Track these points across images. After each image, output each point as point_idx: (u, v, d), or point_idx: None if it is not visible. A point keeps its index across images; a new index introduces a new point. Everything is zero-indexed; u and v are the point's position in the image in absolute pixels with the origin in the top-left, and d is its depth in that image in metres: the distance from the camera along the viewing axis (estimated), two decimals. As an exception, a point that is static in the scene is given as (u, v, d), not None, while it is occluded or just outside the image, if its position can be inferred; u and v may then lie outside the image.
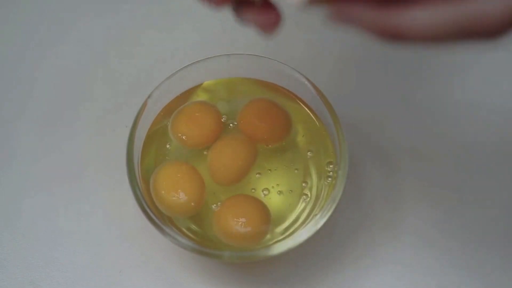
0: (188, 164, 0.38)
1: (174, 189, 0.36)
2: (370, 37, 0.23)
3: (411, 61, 0.47)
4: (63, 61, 0.48)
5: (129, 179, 0.36)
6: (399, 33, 0.22)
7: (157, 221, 0.34)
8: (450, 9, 0.21)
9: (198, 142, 0.39)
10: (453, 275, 0.39)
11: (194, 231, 0.37)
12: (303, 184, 0.38)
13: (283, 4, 0.25)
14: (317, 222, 0.34)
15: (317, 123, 0.40)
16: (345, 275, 0.39)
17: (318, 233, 0.35)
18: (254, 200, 0.37)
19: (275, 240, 0.36)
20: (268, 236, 0.37)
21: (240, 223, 0.35)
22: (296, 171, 0.38)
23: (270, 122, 0.39)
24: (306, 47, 0.48)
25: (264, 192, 0.38)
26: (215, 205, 0.37)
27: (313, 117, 0.40)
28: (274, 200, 0.37)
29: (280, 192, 0.38)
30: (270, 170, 0.38)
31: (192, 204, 0.36)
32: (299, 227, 0.36)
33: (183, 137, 0.39)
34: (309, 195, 0.38)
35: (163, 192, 0.36)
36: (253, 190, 0.38)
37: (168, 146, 0.39)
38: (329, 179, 0.38)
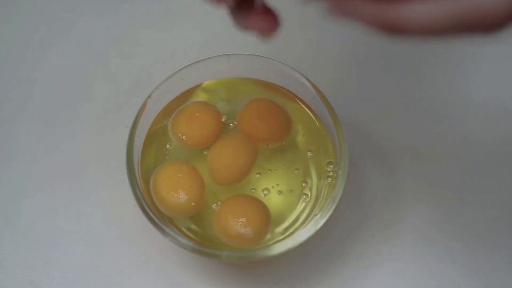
0: (188, 164, 0.38)
1: (174, 189, 0.36)
2: (369, 31, 0.23)
3: (411, 61, 0.47)
4: (63, 61, 0.48)
5: (129, 179, 0.36)
6: (398, 27, 0.22)
7: (157, 221, 0.34)
8: (449, 3, 0.21)
9: (198, 142, 0.39)
10: (453, 274, 0.39)
11: (194, 231, 0.37)
12: (303, 184, 0.38)
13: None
14: (317, 222, 0.34)
15: (317, 123, 0.40)
16: (345, 275, 0.39)
17: (318, 233, 0.35)
18: (254, 200, 0.37)
19: (275, 240, 0.36)
20: (268, 236, 0.37)
21: (240, 223, 0.35)
22: (296, 171, 0.38)
23: (270, 122, 0.39)
24: (306, 47, 0.48)
25: (264, 192, 0.38)
26: (215, 204, 0.37)
27: (313, 117, 0.40)
28: (274, 200, 0.37)
29: (280, 192, 0.38)
30: (270, 170, 0.38)
31: (192, 204, 0.36)
32: (299, 227, 0.36)
33: (183, 137, 0.39)
34: (309, 195, 0.38)
35: (163, 192, 0.36)
36: (253, 190, 0.38)
37: (168, 146, 0.39)
38: (329, 179, 0.38)
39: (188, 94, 0.41)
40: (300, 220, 0.37)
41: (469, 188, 0.42)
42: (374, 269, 0.39)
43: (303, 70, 0.39)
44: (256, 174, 0.38)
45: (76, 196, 0.42)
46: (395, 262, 0.40)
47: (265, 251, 0.34)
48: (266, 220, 0.36)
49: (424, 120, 0.44)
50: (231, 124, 0.40)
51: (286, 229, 0.37)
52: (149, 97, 0.38)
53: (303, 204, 0.37)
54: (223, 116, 0.40)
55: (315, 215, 0.36)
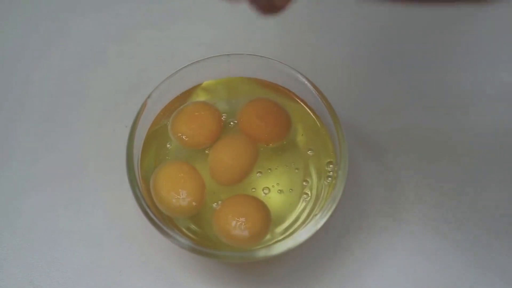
0: (188, 163, 0.38)
1: (174, 189, 0.36)
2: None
3: (411, 61, 0.47)
4: (62, 61, 0.48)
5: (129, 179, 0.36)
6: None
7: (157, 221, 0.34)
8: None
9: (198, 142, 0.39)
10: (453, 274, 0.39)
11: (194, 231, 0.37)
12: (304, 183, 0.38)
13: None
14: (317, 222, 0.34)
15: (317, 123, 0.40)
16: (344, 274, 0.39)
17: (318, 233, 0.35)
18: (255, 200, 0.37)
19: (275, 240, 0.36)
20: (268, 236, 0.37)
21: (240, 223, 0.35)
22: (296, 170, 0.38)
23: (270, 122, 0.39)
24: (306, 48, 0.48)
25: (265, 191, 0.38)
26: (215, 204, 0.37)
27: (313, 116, 0.40)
28: (274, 199, 0.37)
29: (280, 191, 0.38)
30: (270, 169, 0.38)
31: (192, 204, 0.36)
32: (299, 227, 0.36)
33: (183, 137, 0.39)
34: (309, 195, 0.38)
35: (163, 192, 0.36)
36: (253, 190, 0.38)
37: (168, 145, 0.39)
38: (329, 179, 0.38)
39: (188, 94, 0.41)
40: (300, 220, 0.37)
41: (469, 188, 0.42)
42: (374, 268, 0.39)
43: (303, 70, 0.39)
44: (257, 173, 0.38)
45: (76, 196, 0.42)
46: (395, 262, 0.40)
47: (265, 251, 0.34)
48: (267, 220, 0.36)
49: (424, 120, 0.44)
50: (231, 123, 0.40)
51: (286, 229, 0.37)
52: (149, 97, 0.38)
53: (303, 204, 0.37)
54: (223, 115, 0.40)
55: (315, 215, 0.36)
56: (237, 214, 0.36)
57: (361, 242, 0.40)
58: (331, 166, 0.38)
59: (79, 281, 0.39)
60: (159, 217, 0.35)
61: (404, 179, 0.42)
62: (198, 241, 0.36)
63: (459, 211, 0.41)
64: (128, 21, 0.49)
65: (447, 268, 0.39)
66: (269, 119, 0.39)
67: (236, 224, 0.35)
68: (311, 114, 0.40)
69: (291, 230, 0.37)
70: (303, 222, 0.37)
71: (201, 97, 0.41)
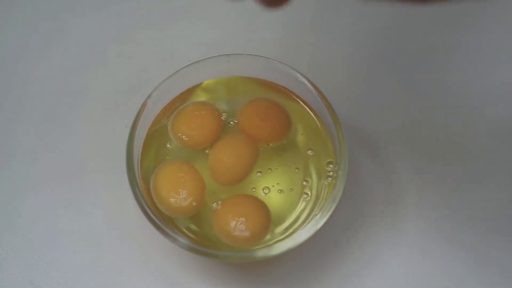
0: (188, 163, 0.38)
1: (174, 189, 0.36)
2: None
3: (412, 61, 0.47)
4: (62, 61, 0.48)
5: (129, 179, 0.36)
6: None
7: (157, 221, 0.34)
8: None
9: (198, 142, 0.39)
10: (453, 274, 0.39)
11: (194, 231, 0.37)
12: (304, 183, 0.38)
13: None
14: (317, 222, 0.34)
15: (317, 123, 0.40)
16: (344, 274, 0.39)
17: (318, 233, 0.35)
18: (255, 200, 0.37)
19: (275, 240, 0.36)
20: (268, 236, 0.37)
21: (240, 223, 0.35)
22: (296, 170, 0.38)
23: (270, 121, 0.39)
24: (306, 48, 0.48)
25: (265, 191, 0.38)
26: (215, 204, 0.37)
27: (313, 116, 0.40)
28: (274, 199, 0.37)
29: (280, 191, 0.38)
30: (270, 169, 0.38)
31: (193, 204, 0.36)
32: (299, 227, 0.36)
33: (183, 137, 0.39)
34: (309, 195, 0.38)
35: (163, 192, 0.36)
36: (253, 189, 0.38)
37: (168, 145, 0.39)
38: (329, 179, 0.38)
39: (188, 93, 0.41)
40: (300, 220, 0.37)
41: (470, 188, 0.42)
42: (374, 268, 0.39)
43: (303, 70, 0.39)
44: (257, 173, 0.38)
45: (76, 196, 0.42)
46: (395, 262, 0.40)
47: (265, 251, 0.34)
48: (267, 220, 0.36)
49: (424, 120, 0.44)
50: (231, 123, 0.40)
51: (286, 229, 0.37)
52: (149, 97, 0.38)
53: (303, 204, 0.37)
54: (223, 115, 0.40)
55: (315, 215, 0.36)
56: (237, 214, 0.36)
57: (361, 242, 0.40)
58: (331, 166, 0.38)
59: (79, 281, 0.39)
60: (159, 217, 0.35)
61: (404, 179, 0.42)
62: (198, 241, 0.36)
63: (459, 211, 0.41)
64: (128, 21, 0.50)
65: (448, 268, 0.39)
66: (269, 119, 0.39)
67: (236, 224, 0.35)
68: (311, 114, 0.40)
69: (291, 230, 0.37)
70: (303, 222, 0.37)
71: (201, 97, 0.41)
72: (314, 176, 0.38)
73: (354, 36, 0.48)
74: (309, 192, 0.38)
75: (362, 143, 0.44)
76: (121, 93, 0.46)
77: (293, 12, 0.50)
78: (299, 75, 0.38)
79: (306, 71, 0.39)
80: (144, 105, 0.37)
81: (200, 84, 0.41)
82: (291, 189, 0.38)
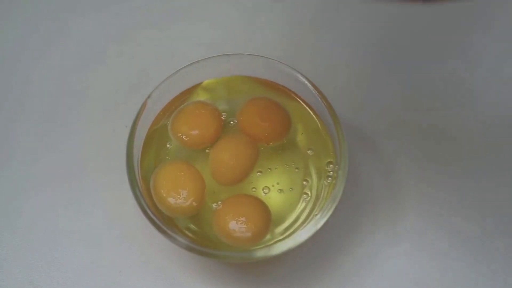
0: (188, 163, 0.38)
1: (174, 189, 0.36)
2: None
3: (412, 61, 0.47)
4: (62, 61, 0.48)
5: (129, 179, 0.36)
6: None
7: (157, 221, 0.34)
8: None
9: (198, 142, 0.39)
10: (454, 274, 0.39)
11: (194, 231, 0.37)
12: (304, 183, 0.38)
13: None
14: (317, 222, 0.34)
15: (317, 123, 0.40)
16: (344, 274, 0.39)
17: (318, 233, 0.35)
18: (255, 199, 0.37)
19: (275, 240, 0.36)
20: (268, 236, 0.37)
21: (240, 223, 0.35)
22: (296, 170, 0.38)
23: (270, 120, 0.39)
24: (306, 48, 0.48)
25: (265, 190, 0.38)
26: (215, 204, 0.37)
27: (313, 116, 0.40)
28: (274, 199, 0.37)
29: (280, 191, 0.38)
30: (270, 168, 0.38)
31: (193, 203, 0.36)
32: (299, 227, 0.36)
33: (183, 137, 0.39)
34: (310, 195, 0.38)
35: (163, 191, 0.36)
36: (253, 189, 0.38)
37: (168, 145, 0.39)
38: (329, 179, 0.38)
39: (188, 93, 0.41)
40: (300, 220, 0.37)
41: (470, 187, 0.42)
42: (374, 268, 0.39)
43: (303, 70, 0.39)
44: (257, 172, 0.38)
45: (76, 196, 0.42)
46: (394, 262, 0.40)
47: (265, 251, 0.34)
48: (267, 220, 0.36)
49: (424, 120, 0.44)
50: (231, 122, 0.40)
51: (286, 229, 0.37)
52: (149, 97, 0.38)
53: (303, 204, 0.37)
54: (223, 115, 0.40)
55: (315, 215, 0.36)
56: (237, 214, 0.36)
57: (361, 242, 0.40)
58: (331, 166, 0.38)
59: (79, 281, 0.39)
60: (159, 217, 0.35)
61: (405, 179, 0.42)
62: (198, 241, 0.36)
63: (460, 211, 0.41)
64: (128, 21, 0.49)
65: (448, 268, 0.39)
66: (269, 118, 0.39)
67: (236, 224, 0.35)
68: (311, 114, 0.40)
69: (291, 230, 0.37)
70: (303, 222, 0.37)
71: (201, 96, 0.41)
72: (314, 176, 0.38)
73: (354, 36, 0.48)
74: (309, 192, 0.38)
75: (362, 143, 0.44)
76: (121, 93, 0.46)
77: (293, 12, 0.50)
78: (299, 75, 0.38)
79: (306, 71, 0.39)
80: (144, 105, 0.37)
81: (200, 83, 0.41)
82: (291, 188, 0.38)
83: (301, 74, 0.38)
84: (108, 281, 0.39)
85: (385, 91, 0.46)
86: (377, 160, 0.43)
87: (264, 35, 0.48)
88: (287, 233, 0.37)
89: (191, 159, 0.39)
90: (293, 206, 0.37)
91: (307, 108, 0.40)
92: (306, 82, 0.38)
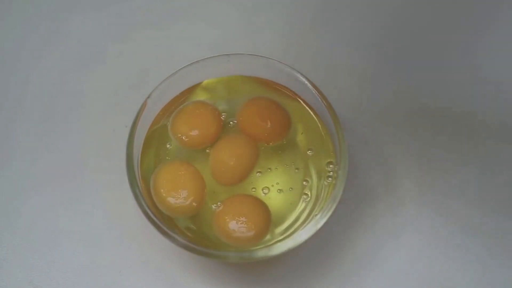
0: (188, 163, 0.38)
1: (174, 189, 0.36)
2: None
3: (412, 61, 0.47)
4: (62, 61, 0.48)
5: (129, 179, 0.35)
6: None
7: (157, 221, 0.34)
8: None
9: (198, 142, 0.39)
10: (453, 274, 0.39)
11: (194, 231, 0.37)
12: (304, 183, 0.38)
13: None
14: (317, 222, 0.34)
15: (317, 123, 0.40)
16: (344, 274, 0.39)
17: (318, 233, 0.35)
18: (255, 200, 0.37)
19: (275, 240, 0.36)
20: (268, 236, 0.37)
21: (240, 223, 0.35)
22: (296, 170, 0.38)
23: (269, 120, 0.39)
24: (306, 48, 0.48)
25: (264, 191, 0.38)
26: (215, 205, 0.37)
27: (314, 116, 0.40)
28: (274, 199, 0.37)
29: (280, 191, 0.38)
30: (270, 168, 0.38)
31: (193, 203, 0.36)
32: (299, 227, 0.36)
33: (183, 137, 0.39)
34: (309, 195, 0.38)
35: (163, 191, 0.36)
36: (253, 189, 0.38)
37: (168, 145, 0.39)
38: (329, 179, 0.38)
39: (188, 93, 0.41)
40: (300, 220, 0.37)
41: (470, 187, 0.42)
42: (373, 268, 0.39)
43: (303, 70, 0.39)
44: (257, 173, 0.38)
45: (76, 196, 0.42)
46: (394, 261, 0.40)
47: (265, 251, 0.34)
48: (267, 220, 0.36)
49: (424, 120, 0.44)
50: (231, 123, 0.40)
51: (286, 229, 0.37)
52: (149, 97, 0.38)
53: (303, 204, 0.37)
54: (222, 114, 0.40)
55: (315, 215, 0.36)
56: (237, 214, 0.36)
57: (361, 242, 0.40)
58: (331, 166, 0.38)
59: (79, 281, 0.39)
60: (159, 217, 0.35)
61: (405, 179, 0.42)
62: (198, 241, 0.36)
63: (460, 212, 0.41)
64: (128, 21, 0.49)
65: (448, 267, 0.39)
66: (269, 118, 0.39)
67: (236, 224, 0.35)
68: (311, 113, 0.40)
69: (291, 230, 0.37)
70: (303, 222, 0.37)
71: (200, 96, 0.41)
72: (314, 176, 0.38)
73: (354, 36, 0.48)
74: (309, 193, 0.38)
75: (362, 143, 0.44)
76: (121, 93, 0.46)
77: (293, 12, 0.50)
78: (299, 75, 0.38)
79: (306, 71, 0.39)
80: (144, 105, 0.37)
81: (200, 83, 0.41)
82: (291, 189, 0.38)
83: (301, 74, 0.38)
84: (108, 281, 0.39)
85: (385, 91, 0.46)
86: (377, 160, 0.43)
87: (264, 35, 0.48)
88: (287, 233, 0.37)
89: (191, 159, 0.39)
90: (293, 206, 0.37)
91: (307, 108, 0.40)
92: (306, 82, 0.38)
